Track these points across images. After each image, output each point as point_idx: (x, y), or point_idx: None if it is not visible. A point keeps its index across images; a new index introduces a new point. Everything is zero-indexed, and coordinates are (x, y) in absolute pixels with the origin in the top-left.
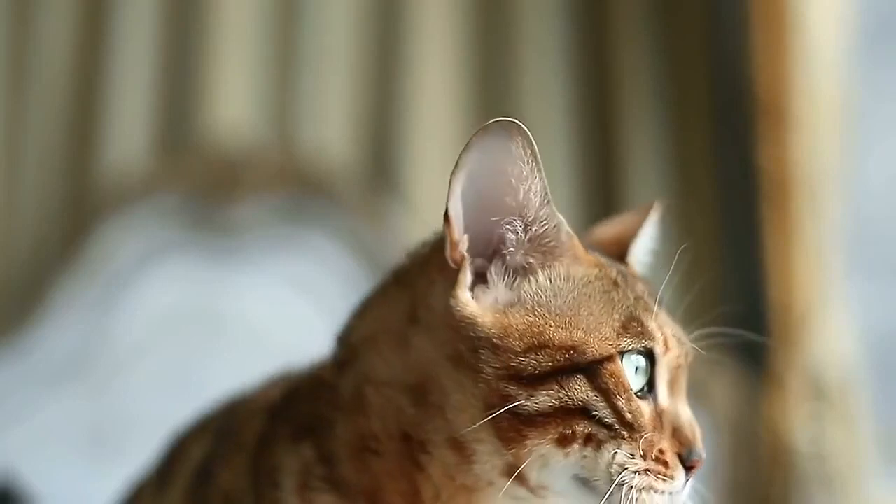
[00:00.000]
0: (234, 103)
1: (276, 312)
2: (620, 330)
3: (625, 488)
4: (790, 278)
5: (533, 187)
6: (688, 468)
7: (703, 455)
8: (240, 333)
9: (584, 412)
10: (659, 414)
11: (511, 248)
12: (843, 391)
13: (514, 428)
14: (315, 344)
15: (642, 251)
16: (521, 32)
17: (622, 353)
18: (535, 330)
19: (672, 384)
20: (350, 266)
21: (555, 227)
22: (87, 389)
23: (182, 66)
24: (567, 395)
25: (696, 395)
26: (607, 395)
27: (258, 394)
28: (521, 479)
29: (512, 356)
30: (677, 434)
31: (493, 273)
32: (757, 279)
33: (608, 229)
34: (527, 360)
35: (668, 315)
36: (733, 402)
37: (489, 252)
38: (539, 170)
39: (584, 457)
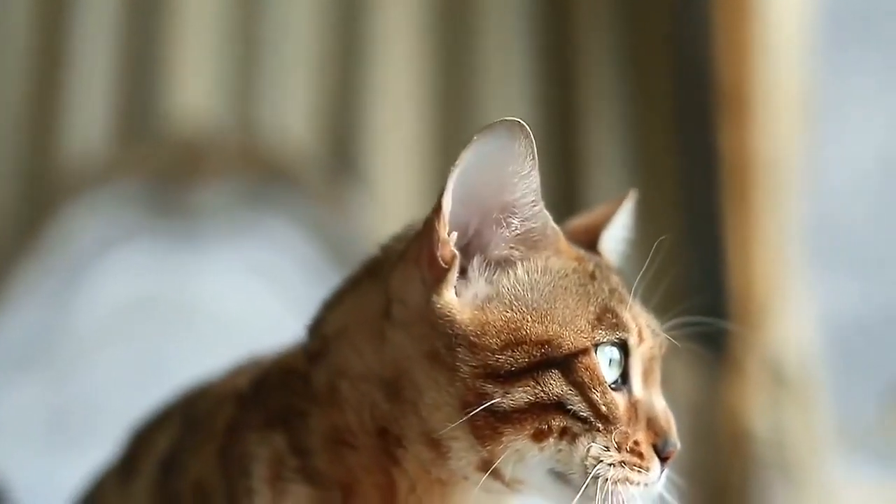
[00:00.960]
0: (195, 89)
1: (238, 298)
2: (595, 322)
3: (600, 481)
4: (751, 266)
5: (531, 185)
6: (663, 458)
7: (678, 445)
8: (201, 319)
9: (560, 406)
10: (633, 405)
11: (500, 244)
12: (802, 378)
13: (490, 425)
14: (277, 330)
15: (614, 240)
16: (483, 22)
17: (596, 346)
18: (512, 326)
19: (646, 375)
20: (311, 252)
21: (543, 223)
22: (48, 377)
23: (143, 51)
24: (543, 391)
25: None
26: (582, 389)
27: (224, 381)
28: (497, 474)
29: (489, 354)
30: (652, 425)
31: (475, 268)
32: (718, 267)
33: (582, 220)
34: (504, 357)
35: (642, 306)
36: (693, 388)
37: (473, 247)
38: (536, 169)
39: (560, 450)
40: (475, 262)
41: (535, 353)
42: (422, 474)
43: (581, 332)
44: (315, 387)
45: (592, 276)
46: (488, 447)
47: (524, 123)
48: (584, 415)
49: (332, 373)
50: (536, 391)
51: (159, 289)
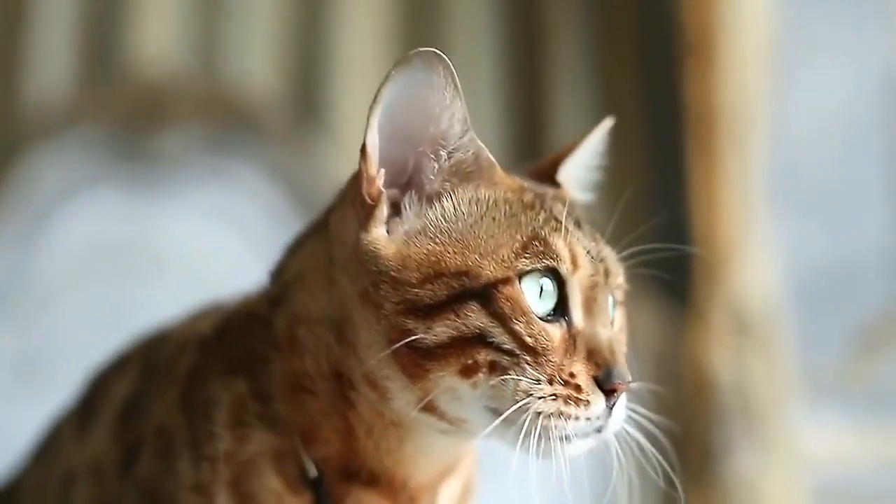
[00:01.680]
0: (159, 33)
1: (202, 244)
2: (520, 251)
3: (531, 415)
4: (715, 214)
5: (455, 115)
6: (608, 391)
7: (628, 377)
8: (166, 265)
9: (483, 340)
10: (573, 336)
11: (430, 177)
12: (765, 326)
13: (416, 363)
14: (241, 275)
15: (582, 168)
16: None
17: (521, 275)
18: (433, 258)
19: (588, 304)
20: (276, 198)
21: (474, 154)
22: (11, 324)
23: None
24: (463, 324)
25: None
26: (504, 320)
27: (186, 326)
28: (439, 413)
29: (409, 288)
30: (593, 356)
31: (407, 203)
32: (682, 215)
33: (553, 154)
34: (423, 291)
35: (594, 236)
36: (656, 335)
37: (404, 182)
38: (460, 98)
39: (492, 386)
40: (410, 198)
41: (454, 284)
42: (376, 417)
43: (503, 261)
44: (276, 332)
45: (528, 206)
46: (420, 385)
47: (441, 53)
48: (509, 347)
49: (291, 318)
50: (457, 325)
51: (124, 234)
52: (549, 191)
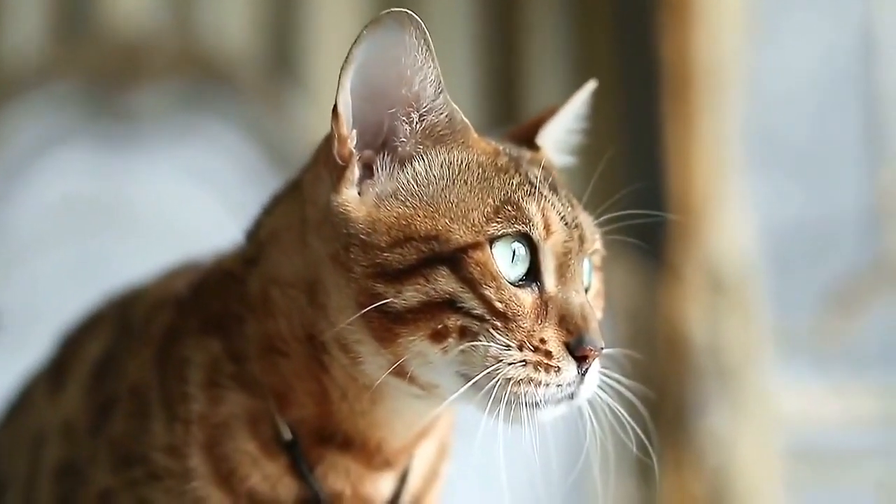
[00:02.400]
0: None
1: (176, 201)
2: (491, 215)
3: (501, 381)
4: (690, 172)
5: (428, 77)
6: (579, 358)
7: (600, 344)
8: (140, 222)
9: (452, 305)
10: (545, 302)
11: (403, 139)
12: (739, 284)
13: (385, 327)
14: (215, 233)
15: (563, 131)
16: None
17: (491, 240)
18: (403, 222)
19: (561, 270)
20: (249, 155)
21: (447, 116)
22: None
23: None
24: (433, 289)
25: None
26: (473, 285)
27: (160, 285)
28: (410, 378)
29: (379, 252)
30: (565, 322)
31: (379, 166)
32: (657, 172)
33: (533, 118)
34: (392, 255)
35: (570, 201)
36: (631, 293)
37: (378, 144)
38: (433, 59)
39: (462, 352)
40: (382, 160)
41: (423, 249)
42: (349, 381)
43: (473, 225)
44: (250, 292)
45: (502, 170)
46: (390, 350)
47: (412, 14)
48: (478, 312)
49: (265, 278)
50: (427, 289)
51: (97, 191)
52: (527, 154)
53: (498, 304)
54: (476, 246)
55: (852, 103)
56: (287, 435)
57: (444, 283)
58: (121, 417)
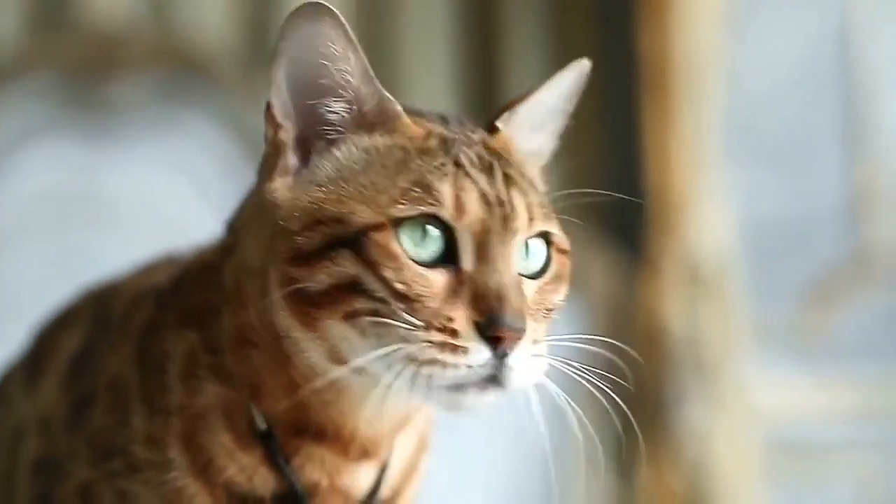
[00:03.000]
0: None
1: (154, 194)
2: (397, 196)
3: (408, 361)
4: (668, 165)
5: (350, 67)
6: (493, 339)
7: (517, 325)
8: (117, 214)
9: (357, 287)
10: (460, 282)
11: (330, 129)
12: (718, 277)
13: (305, 312)
14: (194, 226)
15: (544, 112)
16: None
17: (396, 221)
18: (315, 206)
19: (481, 250)
20: (228, 147)
21: (377, 104)
22: None
23: None
24: (338, 271)
25: (571, 279)
26: (375, 267)
27: (139, 279)
28: (349, 364)
29: (292, 237)
30: (478, 302)
31: (314, 155)
32: (636, 165)
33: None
34: (303, 238)
35: (510, 180)
36: (609, 286)
37: (309, 134)
38: (353, 49)
39: (378, 335)
40: (313, 149)
41: (328, 231)
42: (310, 371)
43: (378, 206)
44: (226, 283)
45: (424, 152)
46: (317, 335)
47: (327, 4)
48: (381, 295)
49: (238, 268)
50: (333, 272)
51: (75, 183)
52: (474, 136)
53: (399, 286)
54: (377, 227)
55: (831, 97)
56: (262, 424)
57: (348, 265)
58: (100, 412)
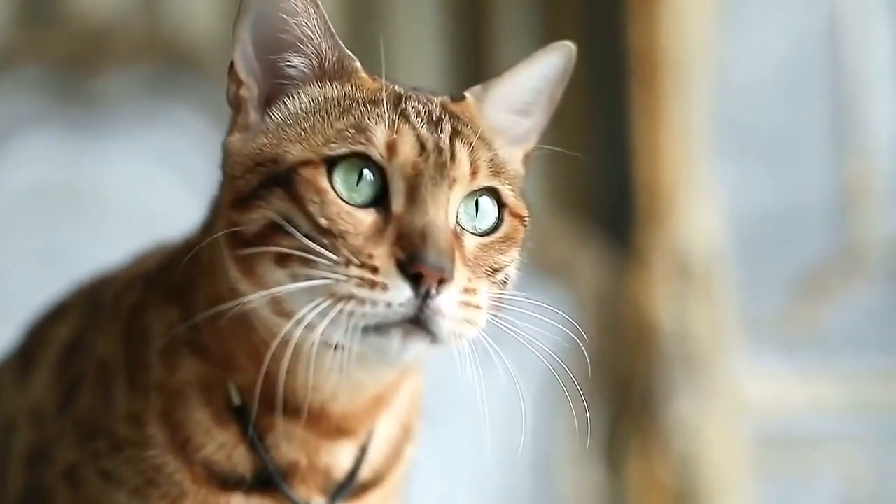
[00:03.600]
0: None
1: (143, 186)
2: (332, 136)
3: (328, 297)
4: (658, 159)
5: (308, 23)
6: (414, 276)
7: (439, 264)
8: (106, 208)
9: (286, 225)
10: (387, 222)
11: (289, 82)
12: (707, 271)
13: (242, 257)
14: (182, 218)
15: (522, 90)
16: None
17: (328, 160)
18: (256, 150)
19: (412, 192)
20: (216, 139)
21: (337, 59)
22: None
23: None
24: (269, 209)
25: (561, 272)
26: (301, 202)
27: (130, 268)
28: (291, 316)
29: (234, 181)
30: (401, 240)
31: (274, 107)
32: (624, 158)
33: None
34: (242, 181)
35: (458, 133)
36: (598, 280)
37: (270, 88)
38: (315, 5)
39: (307, 277)
40: (272, 102)
41: (264, 171)
42: (269, 336)
43: (311, 145)
44: (203, 258)
45: (371, 102)
46: (254, 280)
47: None
48: (306, 230)
49: (214, 241)
50: (265, 212)
51: (63, 177)
52: (434, 99)
53: (322, 220)
54: (306, 163)
55: (820, 91)
56: (236, 400)
57: (279, 203)
58: (87, 392)
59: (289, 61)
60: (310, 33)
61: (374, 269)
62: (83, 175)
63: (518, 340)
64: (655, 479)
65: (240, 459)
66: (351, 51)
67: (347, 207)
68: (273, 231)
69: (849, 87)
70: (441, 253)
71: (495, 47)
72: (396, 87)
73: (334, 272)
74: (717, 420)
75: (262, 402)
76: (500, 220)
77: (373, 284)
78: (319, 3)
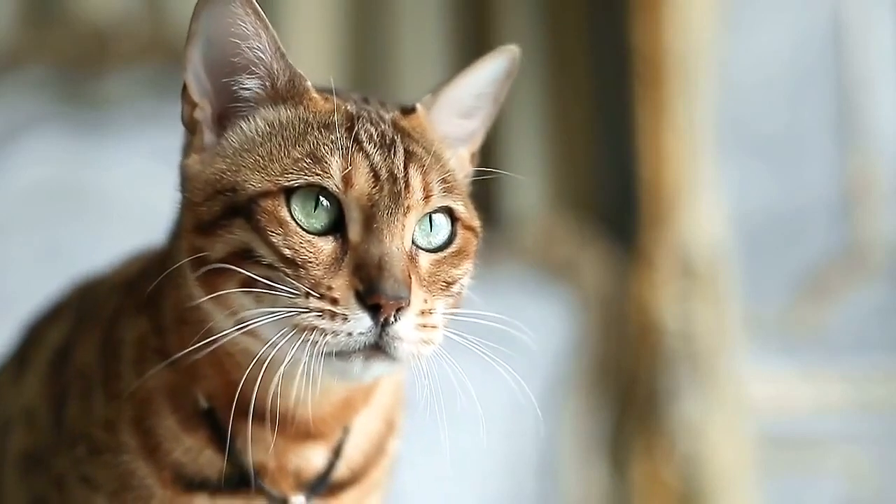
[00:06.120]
0: None
1: (145, 186)
2: (290, 166)
3: (290, 327)
4: (661, 157)
5: (259, 45)
6: (372, 306)
7: (396, 294)
8: (109, 208)
9: (250, 254)
10: (345, 252)
11: (242, 104)
12: (711, 270)
13: (208, 280)
14: None
15: (468, 95)
16: None
17: (286, 191)
18: (216, 177)
19: (368, 222)
20: None
21: (288, 79)
22: None
23: None
24: (232, 238)
25: (565, 272)
26: (263, 233)
27: (117, 272)
28: (252, 333)
29: (196, 207)
30: (359, 271)
31: (227, 131)
32: (629, 158)
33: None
34: (203, 208)
35: (412, 157)
36: (602, 280)
37: (224, 110)
38: (264, 27)
39: (270, 302)
40: (227, 124)
41: (225, 200)
42: (233, 348)
43: (269, 175)
44: (171, 265)
45: (324, 126)
46: (220, 303)
47: None
48: (269, 261)
49: (177, 255)
50: (228, 240)
51: (66, 176)
52: (385, 116)
53: (286, 251)
54: (266, 194)
55: (824, 91)
56: (203, 403)
57: (241, 233)
58: (72, 401)
59: (242, 84)
60: (261, 55)
61: (335, 301)
62: (86, 174)
63: (521, 341)
64: (660, 479)
65: (206, 462)
66: (354, 54)
67: (308, 237)
68: (237, 257)
69: (852, 87)
70: (398, 283)
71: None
72: (348, 107)
73: (296, 304)
74: (722, 420)
75: (228, 408)
76: (453, 234)
77: (333, 316)
78: (269, 24)
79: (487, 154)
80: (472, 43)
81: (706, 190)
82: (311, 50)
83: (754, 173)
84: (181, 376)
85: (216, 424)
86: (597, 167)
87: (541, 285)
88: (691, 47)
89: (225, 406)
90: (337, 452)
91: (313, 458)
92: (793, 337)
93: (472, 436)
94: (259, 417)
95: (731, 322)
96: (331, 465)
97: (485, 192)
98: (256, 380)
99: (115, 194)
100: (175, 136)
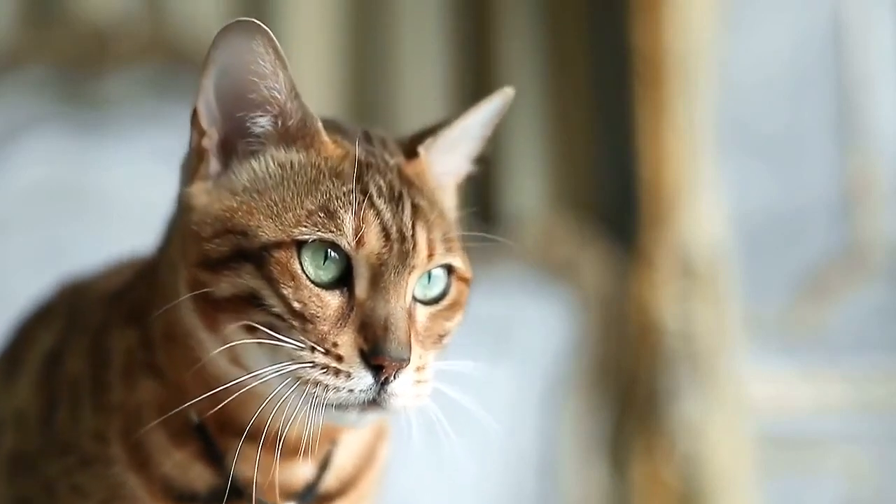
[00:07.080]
0: None
1: (146, 186)
2: (302, 218)
3: (292, 379)
4: (661, 159)
5: (277, 83)
6: (375, 367)
7: (399, 355)
8: (109, 208)
9: (257, 301)
10: (351, 308)
11: (252, 140)
12: (711, 270)
13: (208, 314)
14: None
15: (467, 138)
16: None
17: (299, 243)
18: (227, 214)
19: (375, 279)
20: None
21: (300, 119)
22: None
23: None
24: (239, 282)
25: (566, 272)
26: (274, 284)
27: (107, 278)
28: (245, 369)
29: (202, 242)
30: (365, 329)
31: (234, 163)
32: (629, 158)
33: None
34: (211, 245)
35: (416, 214)
36: (602, 280)
37: (233, 142)
38: (283, 67)
39: (272, 348)
40: (234, 157)
41: (235, 242)
42: (218, 371)
43: (283, 225)
44: (159, 279)
45: (336, 175)
46: (219, 336)
47: (259, 23)
48: (277, 311)
49: (167, 264)
50: (235, 283)
51: (66, 177)
52: (391, 161)
53: (295, 304)
54: (279, 245)
55: (823, 90)
56: (194, 418)
57: (249, 279)
58: (62, 410)
59: (254, 121)
60: (277, 95)
61: (339, 358)
62: (86, 175)
63: (518, 345)
64: (660, 480)
65: (195, 476)
66: (354, 55)
67: (317, 290)
68: (242, 301)
69: (853, 87)
70: (401, 345)
71: (500, 48)
72: (358, 152)
73: (300, 357)
74: (721, 419)
75: (216, 426)
76: (448, 286)
77: (337, 372)
78: (287, 62)
79: (487, 154)
80: (472, 43)
81: (706, 190)
82: (311, 50)
83: (754, 173)
84: (170, 391)
85: (207, 438)
86: (597, 167)
87: (541, 285)
88: (691, 47)
89: (213, 423)
90: (324, 465)
91: (300, 473)
92: (793, 337)
93: (469, 438)
94: (247, 436)
95: (731, 322)
96: (318, 477)
97: (485, 193)
98: (247, 404)
99: (115, 194)
100: (175, 137)
